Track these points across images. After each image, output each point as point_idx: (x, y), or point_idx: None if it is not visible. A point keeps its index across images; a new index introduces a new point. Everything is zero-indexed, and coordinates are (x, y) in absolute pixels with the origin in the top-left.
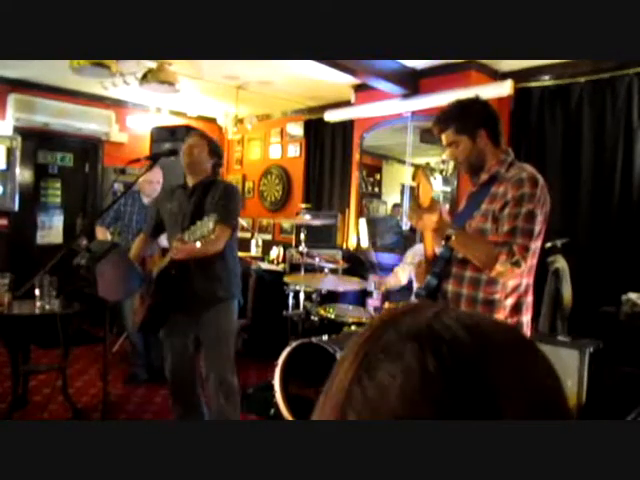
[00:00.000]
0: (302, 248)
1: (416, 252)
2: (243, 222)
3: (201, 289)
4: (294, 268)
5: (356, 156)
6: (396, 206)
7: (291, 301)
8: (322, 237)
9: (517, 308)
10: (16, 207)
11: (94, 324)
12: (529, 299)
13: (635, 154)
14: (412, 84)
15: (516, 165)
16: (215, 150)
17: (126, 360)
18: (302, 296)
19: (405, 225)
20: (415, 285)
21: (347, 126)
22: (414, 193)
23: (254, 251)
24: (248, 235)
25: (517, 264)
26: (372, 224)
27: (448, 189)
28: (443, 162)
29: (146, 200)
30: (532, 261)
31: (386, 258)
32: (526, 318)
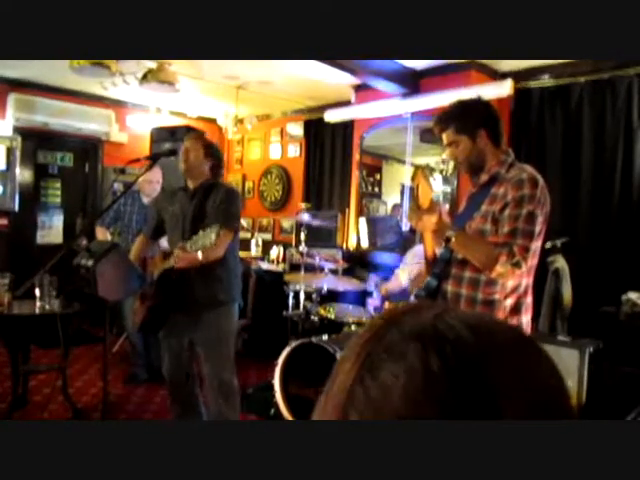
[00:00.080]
0: (302, 248)
1: (415, 253)
2: (243, 222)
3: (201, 292)
4: (294, 268)
5: (356, 156)
6: (396, 206)
7: (291, 301)
8: (322, 237)
9: (517, 308)
10: (16, 207)
11: (94, 324)
12: (528, 299)
13: (635, 154)
14: (412, 84)
15: (516, 166)
16: (212, 152)
17: (126, 360)
18: (302, 296)
19: (405, 225)
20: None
21: (347, 126)
22: (414, 194)
23: (254, 251)
24: (248, 235)
25: (517, 265)
26: (372, 224)
27: (448, 189)
28: (443, 162)
29: (146, 200)
30: (532, 261)
31: (386, 258)
32: (526, 318)
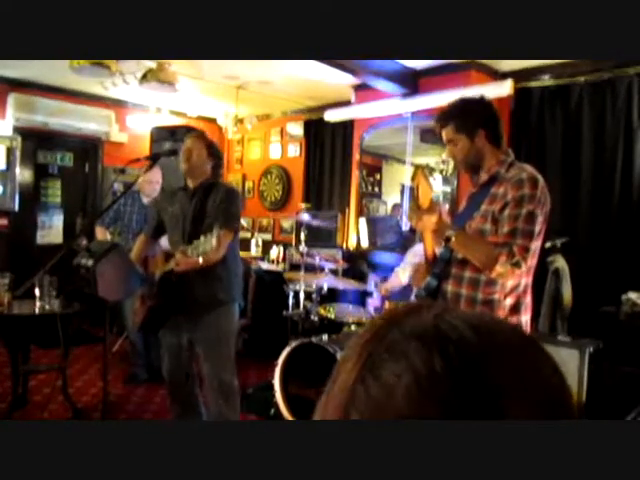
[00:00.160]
0: (302, 248)
1: (416, 252)
2: (243, 222)
3: (201, 292)
4: (294, 268)
5: (356, 156)
6: (396, 206)
7: (291, 301)
8: (322, 237)
9: (516, 308)
10: (16, 207)
11: (94, 324)
12: (528, 299)
13: (635, 154)
14: (412, 84)
15: (516, 165)
16: (214, 151)
17: (126, 360)
18: (302, 296)
19: (405, 225)
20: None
21: (347, 126)
22: (414, 194)
23: (254, 251)
24: (248, 235)
25: (517, 265)
26: (372, 224)
27: (448, 189)
28: (443, 162)
29: (145, 200)
30: (532, 261)
31: (386, 258)
32: (525, 318)
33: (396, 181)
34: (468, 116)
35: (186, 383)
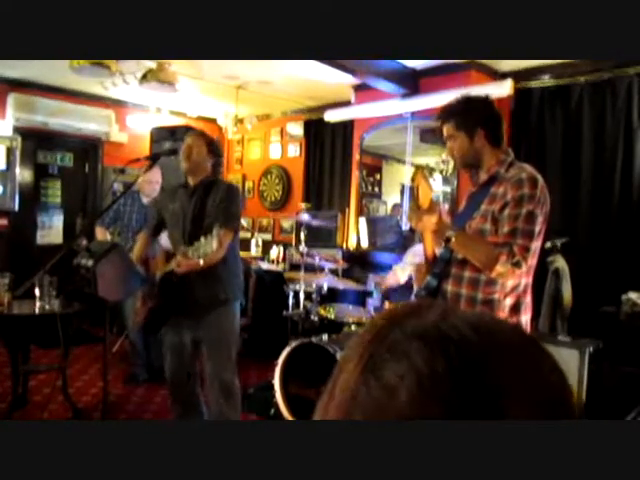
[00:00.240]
0: (302, 248)
1: (416, 252)
2: (243, 222)
3: (202, 292)
4: (294, 268)
5: (356, 156)
6: (396, 206)
7: (291, 301)
8: (322, 237)
9: (516, 308)
10: (16, 207)
11: (94, 324)
12: (528, 299)
13: (635, 154)
14: (412, 84)
15: (516, 165)
16: (214, 149)
17: (126, 360)
18: (302, 296)
19: (405, 225)
20: (415, 285)
21: (347, 126)
22: (413, 194)
23: (254, 251)
24: (248, 235)
25: (518, 265)
26: (372, 224)
27: (448, 189)
28: (443, 162)
29: (145, 200)
30: (532, 261)
31: (386, 258)
32: (525, 318)
33: (396, 181)
34: (469, 115)
35: (188, 382)
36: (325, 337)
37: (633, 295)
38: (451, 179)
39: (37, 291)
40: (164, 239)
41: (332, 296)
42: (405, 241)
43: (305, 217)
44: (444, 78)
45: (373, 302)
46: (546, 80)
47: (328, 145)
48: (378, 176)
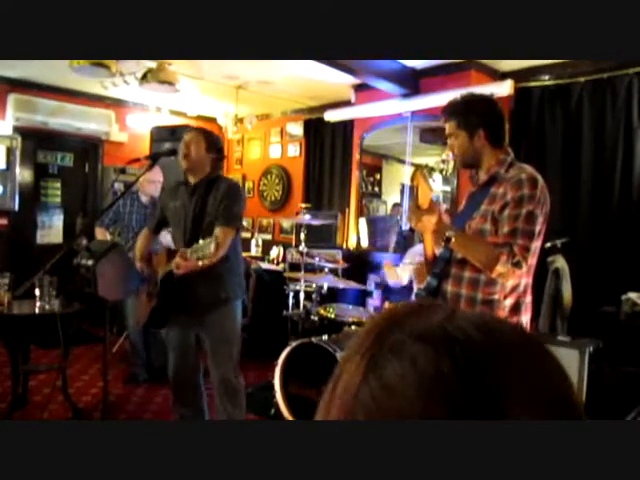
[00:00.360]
0: (302, 248)
1: (416, 252)
2: (243, 222)
3: (204, 292)
4: (294, 268)
5: (356, 156)
6: (396, 206)
7: (291, 301)
8: (322, 237)
9: (516, 308)
10: (16, 207)
11: (94, 324)
12: (528, 299)
13: (635, 154)
14: (412, 84)
15: (516, 165)
16: (214, 143)
17: (126, 360)
18: (302, 296)
19: (405, 225)
20: (415, 285)
21: (347, 126)
22: (413, 194)
23: (254, 251)
24: (248, 235)
25: (518, 265)
26: (372, 224)
27: (448, 189)
28: (443, 162)
29: (144, 199)
30: (532, 261)
31: (386, 258)
32: (525, 318)
33: (396, 181)
34: (470, 115)
35: (190, 381)
36: (325, 337)
37: (633, 295)
38: (451, 179)
39: (37, 291)
40: (164, 237)
41: (332, 296)
42: (405, 241)
43: (305, 217)
44: (444, 78)
45: (373, 302)
46: (546, 80)
47: (328, 145)
48: (378, 176)
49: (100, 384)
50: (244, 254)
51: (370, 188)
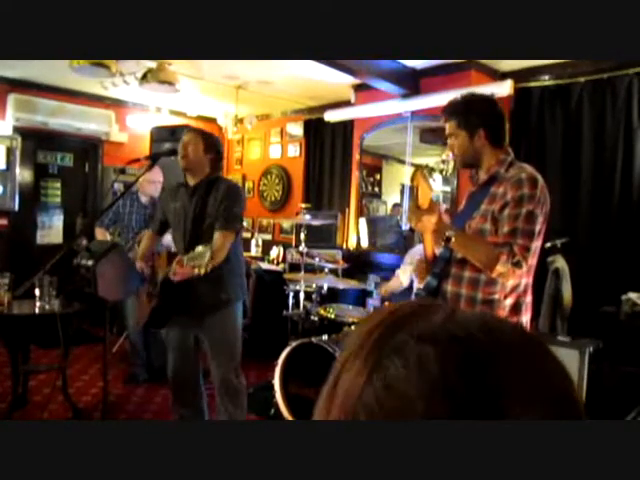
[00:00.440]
0: (302, 248)
1: (416, 253)
2: (243, 222)
3: (204, 294)
4: (294, 268)
5: (356, 156)
6: (396, 206)
7: (291, 301)
8: (322, 237)
9: (516, 308)
10: (16, 207)
11: (94, 324)
12: (528, 299)
13: (635, 154)
14: (412, 84)
15: (516, 165)
16: (212, 145)
17: (126, 360)
18: (302, 296)
19: (405, 225)
20: (416, 285)
21: (347, 126)
22: (413, 194)
23: (254, 251)
24: (248, 235)
25: (518, 264)
26: (372, 224)
27: (448, 189)
28: (443, 162)
29: (144, 200)
30: (532, 261)
31: (386, 258)
32: (525, 318)
33: (396, 181)
34: (470, 115)
35: (190, 381)
36: (325, 337)
37: (633, 295)
38: (451, 179)
39: (37, 291)
40: (167, 239)
41: (332, 296)
42: (405, 241)
43: (305, 217)
44: (444, 78)
45: (373, 302)
46: (546, 80)
47: (328, 145)
48: (378, 176)
49: (100, 384)
50: (244, 254)
51: (370, 188)
